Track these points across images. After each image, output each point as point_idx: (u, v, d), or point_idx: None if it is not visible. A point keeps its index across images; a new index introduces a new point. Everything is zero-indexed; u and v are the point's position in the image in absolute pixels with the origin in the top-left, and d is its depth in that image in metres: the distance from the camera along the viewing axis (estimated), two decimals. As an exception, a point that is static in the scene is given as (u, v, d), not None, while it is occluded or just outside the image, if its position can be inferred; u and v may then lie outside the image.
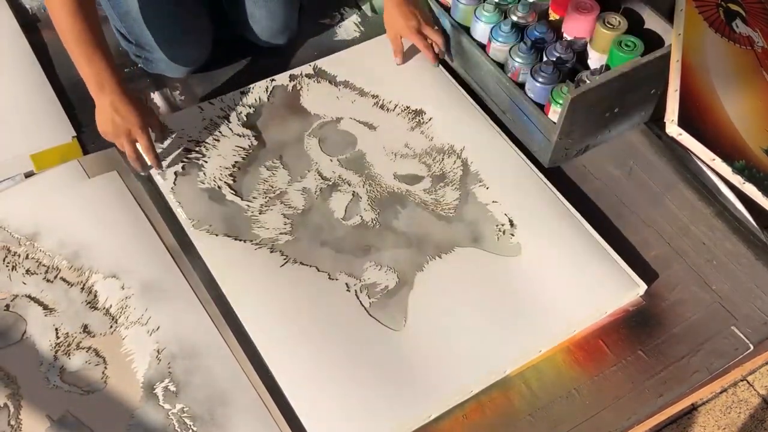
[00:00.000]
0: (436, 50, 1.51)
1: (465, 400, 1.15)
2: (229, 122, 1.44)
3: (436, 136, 1.43)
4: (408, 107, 1.48)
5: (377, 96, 1.49)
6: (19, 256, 1.25)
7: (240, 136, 1.42)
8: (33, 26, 1.59)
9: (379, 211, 1.33)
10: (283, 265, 1.25)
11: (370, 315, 1.21)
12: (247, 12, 1.51)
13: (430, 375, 1.15)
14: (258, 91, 1.49)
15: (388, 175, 1.38)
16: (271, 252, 1.27)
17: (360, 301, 1.22)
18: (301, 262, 1.26)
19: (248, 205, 1.32)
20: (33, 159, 1.37)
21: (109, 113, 1.29)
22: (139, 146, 1.32)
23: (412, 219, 1.32)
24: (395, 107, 1.48)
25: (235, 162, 1.38)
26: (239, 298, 1.21)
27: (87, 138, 1.42)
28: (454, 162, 1.40)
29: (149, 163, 1.33)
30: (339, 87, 1.50)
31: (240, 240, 1.28)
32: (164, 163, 1.35)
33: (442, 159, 1.40)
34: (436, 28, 1.50)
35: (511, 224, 1.31)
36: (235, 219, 1.30)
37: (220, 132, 1.42)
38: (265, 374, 1.15)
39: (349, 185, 1.36)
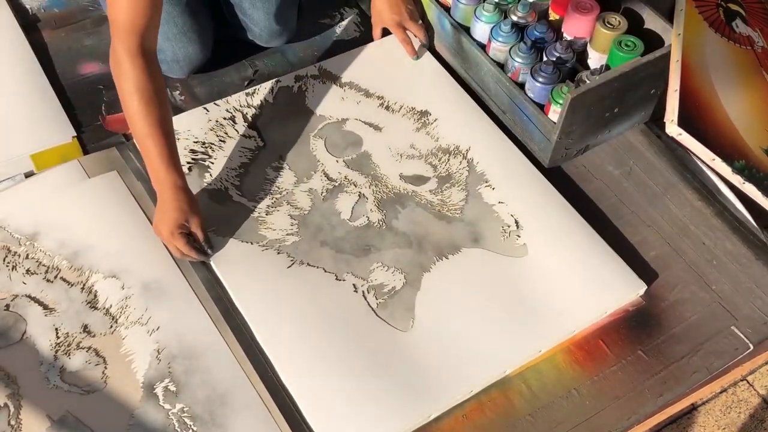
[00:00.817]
0: (417, 45, 1.52)
1: (465, 400, 1.15)
2: (235, 123, 1.44)
3: (441, 137, 1.43)
4: (413, 108, 1.48)
5: (382, 97, 1.49)
6: (19, 256, 1.25)
7: (246, 137, 1.42)
8: (33, 26, 1.59)
9: (386, 211, 1.33)
10: (290, 267, 1.25)
11: (378, 316, 1.21)
12: (246, 13, 1.51)
13: (433, 375, 1.15)
14: (263, 92, 1.49)
15: (394, 176, 1.38)
16: (278, 253, 1.27)
17: (367, 302, 1.22)
18: (308, 264, 1.26)
19: (255, 206, 1.32)
20: (33, 159, 1.37)
21: (166, 216, 1.22)
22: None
23: (418, 220, 1.32)
24: (400, 108, 1.48)
25: (242, 163, 1.38)
26: (246, 300, 1.22)
27: (87, 138, 1.43)
28: (460, 162, 1.40)
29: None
30: (344, 88, 1.50)
31: (246, 242, 1.28)
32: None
33: (448, 160, 1.40)
34: (420, 22, 1.51)
35: (517, 225, 1.31)
36: (241, 220, 1.30)
37: (225, 133, 1.42)
38: (265, 374, 1.15)
39: (355, 186, 1.36)
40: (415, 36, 1.53)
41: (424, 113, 1.47)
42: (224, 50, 1.55)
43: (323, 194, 1.35)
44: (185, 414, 1.11)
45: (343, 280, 1.24)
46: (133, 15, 1.15)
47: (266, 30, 1.53)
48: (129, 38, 1.16)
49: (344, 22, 1.66)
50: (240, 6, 1.51)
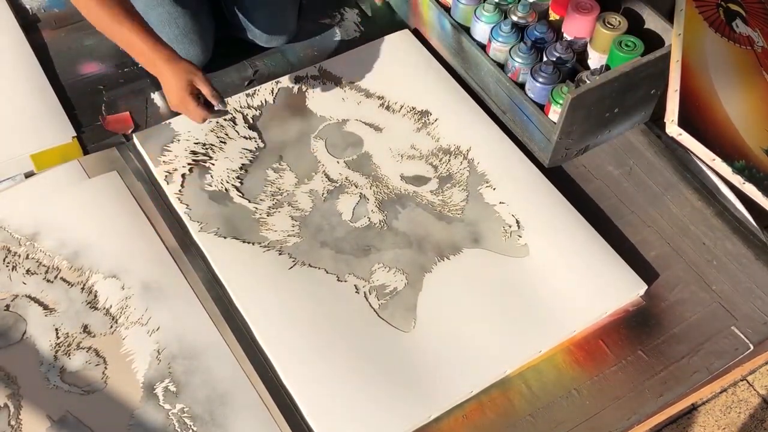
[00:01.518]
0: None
1: (465, 400, 1.15)
2: (235, 124, 1.44)
3: (442, 137, 1.43)
4: (414, 108, 1.48)
5: (383, 97, 1.49)
6: (20, 256, 1.25)
7: (246, 138, 1.42)
8: (33, 26, 1.59)
9: (387, 212, 1.33)
10: (291, 268, 1.25)
11: (380, 317, 1.21)
12: (247, 12, 1.51)
13: (434, 375, 1.15)
14: (263, 93, 1.49)
15: (395, 177, 1.38)
16: (279, 254, 1.27)
17: (369, 303, 1.22)
18: (309, 265, 1.26)
19: (256, 208, 1.32)
20: (33, 159, 1.37)
21: (173, 80, 1.25)
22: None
23: (418, 220, 1.32)
24: (401, 108, 1.48)
25: (242, 164, 1.38)
26: (248, 302, 1.22)
27: (87, 138, 1.43)
28: (461, 163, 1.40)
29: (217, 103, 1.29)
30: (344, 88, 1.50)
31: (248, 243, 1.28)
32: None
33: (449, 160, 1.40)
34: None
35: (518, 225, 1.31)
36: (242, 221, 1.30)
37: (226, 134, 1.42)
38: (265, 374, 1.15)
39: (356, 187, 1.36)
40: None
41: (425, 113, 1.47)
42: (224, 50, 1.55)
43: (324, 195, 1.35)
44: (185, 414, 1.11)
45: (345, 281, 1.24)
46: None
47: (267, 30, 1.53)
48: None
49: (344, 22, 1.66)
50: (241, 5, 1.51)
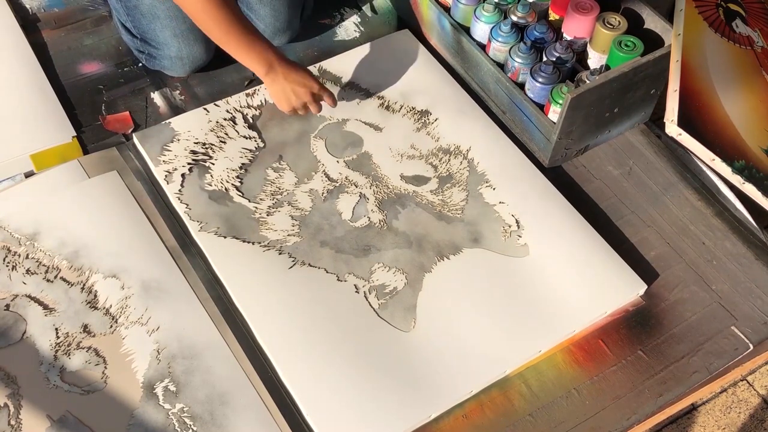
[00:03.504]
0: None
1: (465, 400, 1.15)
2: (235, 124, 1.44)
3: (442, 137, 1.43)
4: (413, 108, 1.48)
5: (383, 97, 1.49)
6: (19, 255, 1.25)
7: (246, 137, 1.42)
8: (33, 26, 1.59)
9: (386, 212, 1.33)
10: (291, 267, 1.25)
11: (380, 317, 1.21)
12: (252, 8, 1.51)
13: (434, 375, 1.15)
14: (263, 92, 1.48)
15: (395, 176, 1.38)
16: (279, 254, 1.27)
17: (369, 303, 1.22)
18: (309, 264, 1.26)
19: (256, 207, 1.32)
20: (33, 159, 1.37)
21: (288, 87, 1.34)
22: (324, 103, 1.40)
23: (418, 220, 1.32)
24: (401, 108, 1.48)
25: (242, 164, 1.38)
26: (248, 301, 1.22)
27: (87, 138, 1.43)
28: (461, 163, 1.40)
29: (330, 105, 1.40)
30: (344, 88, 1.50)
31: (248, 242, 1.28)
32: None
33: (449, 160, 1.40)
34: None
35: (518, 225, 1.31)
36: (242, 221, 1.31)
37: (226, 134, 1.42)
38: (265, 374, 1.15)
39: (356, 186, 1.36)
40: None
41: (425, 113, 1.47)
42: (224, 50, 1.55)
43: (324, 195, 1.35)
44: (185, 414, 1.11)
45: (345, 281, 1.24)
46: None
47: (270, 27, 1.53)
48: None
49: (344, 22, 1.66)
50: (247, 2, 1.51)
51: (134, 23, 1.45)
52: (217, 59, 1.54)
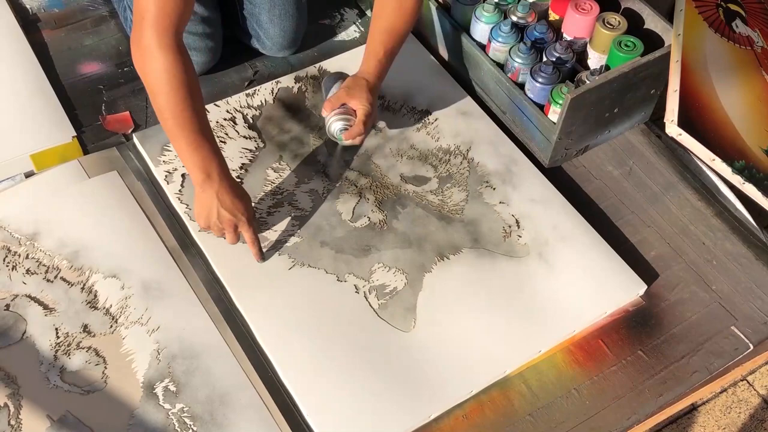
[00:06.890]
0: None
1: (465, 400, 1.15)
2: (235, 124, 1.44)
3: (442, 137, 1.43)
4: (413, 108, 1.48)
5: (383, 97, 1.49)
6: (19, 255, 1.25)
7: (246, 138, 1.42)
8: (33, 26, 1.59)
9: (387, 212, 1.33)
10: (291, 268, 1.25)
11: (380, 317, 1.21)
12: (262, 26, 1.51)
13: (434, 375, 1.15)
14: (263, 92, 1.49)
15: (395, 177, 1.38)
16: (279, 254, 1.27)
17: (369, 303, 1.22)
18: (309, 265, 1.26)
19: (256, 207, 1.32)
20: (33, 159, 1.37)
21: (214, 205, 1.19)
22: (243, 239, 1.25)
23: (418, 220, 1.32)
24: (401, 108, 1.48)
25: (242, 164, 1.38)
26: (248, 301, 1.22)
27: (87, 138, 1.43)
28: (461, 163, 1.40)
29: (254, 256, 1.25)
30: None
31: None
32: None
33: (449, 160, 1.40)
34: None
35: (518, 225, 1.31)
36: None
37: (226, 134, 1.42)
38: (265, 374, 1.15)
39: (356, 187, 1.36)
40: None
41: (425, 113, 1.47)
42: (225, 51, 1.55)
43: (324, 195, 1.35)
44: (185, 414, 1.11)
45: (345, 281, 1.24)
46: (165, 4, 1.08)
47: (277, 45, 1.54)
48: (161, 28, 1.09)
49: (344, 22, 1.66)
50: (257, 18, 1.51)
51: None
52: (217, 61, 1.54)
